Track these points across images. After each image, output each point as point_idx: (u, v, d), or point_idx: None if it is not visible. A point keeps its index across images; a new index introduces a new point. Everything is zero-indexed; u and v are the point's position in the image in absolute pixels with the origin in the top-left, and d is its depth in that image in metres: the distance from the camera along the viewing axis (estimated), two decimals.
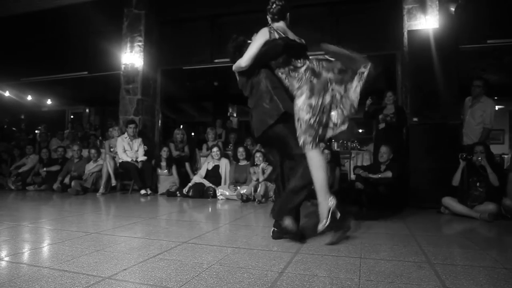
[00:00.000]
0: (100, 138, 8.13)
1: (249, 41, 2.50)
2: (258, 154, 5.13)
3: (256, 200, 4.68)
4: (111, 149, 6.23)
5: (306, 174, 2.29)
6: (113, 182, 5.83)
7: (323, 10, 6.12)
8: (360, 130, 9.26)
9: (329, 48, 2.45)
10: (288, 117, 2.33)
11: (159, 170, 5.82)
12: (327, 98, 2.31)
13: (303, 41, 2.56)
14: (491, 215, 3.30)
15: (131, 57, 6.62)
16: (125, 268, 1.79)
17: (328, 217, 2.25)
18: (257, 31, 2.49)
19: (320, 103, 2.29)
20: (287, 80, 2.40)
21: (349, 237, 2.56)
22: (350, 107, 2.33)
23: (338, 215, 2.30)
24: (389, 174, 4.42)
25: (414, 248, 2.26)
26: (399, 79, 5.61)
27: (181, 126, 9.45)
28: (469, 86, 4.52)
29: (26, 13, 7.39)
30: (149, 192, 5.60)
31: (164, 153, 5.86)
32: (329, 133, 2.38)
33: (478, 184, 3.65)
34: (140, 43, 6.62)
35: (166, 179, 5.78)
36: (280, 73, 2.42)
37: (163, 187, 5.74)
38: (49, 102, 11.89)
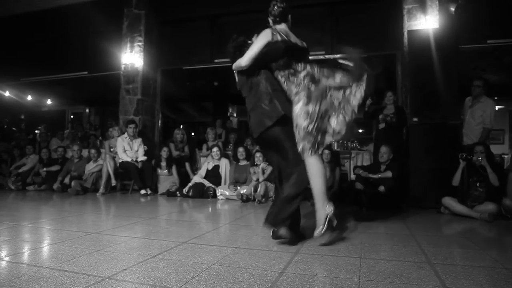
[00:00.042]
0: (100, 138, 8.13)
1: (249, 41, 2.49)
2: (258, 154, 5.13)
3: (256, 200, 4.68)
4: (111, 149, 6.23)
5: (300, 181, 2.26)
6: (113, 182, 5.84)
7: (323, 10, 6.12)
8: (360, 130, 9.25)
9: (352, 55, 2.40)
10: (286, 120, 2.31)
11: (159, 170, 5.83)
12: (325, 105, 2.30)
13: (305, 44, 2.54)
14: (491, 215, 3.30)
15: (131, 57, 6.62)
16: (125, 268, 1.79)
17: (324, 224, 2.25)
18: (257, 31, 2.49)
19: (317, 110, 2.28)
20: (285, 84, 2.39)
21: (349, 237, 2.56)
22: (352, 113, 2.32)
23: (335, 222, 2.30)
24: (389, 174, 4.42)
25: (414, 248, 2.26)
26: (399, 79, 5.61)
27: (181, 126, 9.45)
28: (469, 86, 4.52)
29: (26, 13, 7.39)
30: (149, 192, 5.60)
31: (164, 153, 5.86)
32: (328, 139, 2.36)
33: (478, 184, 3.65)
34: (140, 43, 6.62)
35: (166, 179, 5.78)
36: (279, 76, 2.41)
37: (163, 187, 5.74)
38: (49, 102, 11.89)
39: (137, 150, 5.94)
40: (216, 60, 6.59)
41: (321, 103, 2.30)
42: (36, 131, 9.95)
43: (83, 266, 1.81)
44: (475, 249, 2.29)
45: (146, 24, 6.67)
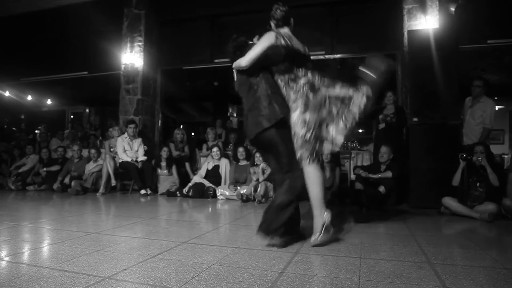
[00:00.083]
0: (100, 138, 8.13)
1: (250, 42, 2.47)
2: (258, 154, 5.13)
3: (256, 200, 4.68)
4: (111, 149, 6.23)
5: (292, 188, 2.25)
6: (113, 182, 5.84)
7: (323, 10, 6.12)
8: (360, 130, 9.26)
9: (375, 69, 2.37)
10: (284, 124, 2.30)
11: (159, 170, 5.83)
12: (323, 114, 2.29)
13: (307, 50, 2.51)
14: (491, 215, 3.30)
15: (131, 57, 6.62)
16: (125, 268, 1.79)
17: (321, 231, 2.25)
18: (258, 31, 2.48)
19: (314, 118, 2.26)
20: (284, 89, 2.37)
21: (349, 237, 2.56)
22: (352, 120, 2.31)
23: (332, 230, 2.30)
24: (389, 174, 4.42)
25: (414, 248, 2.26)
26: (399, 79, 5.61)
27: (181, 126, 9.45)
28: (469, 86, 4.52)
29: (26, 13, 7.39)
30: (149, 192, 5.60)
31: (164, 153, 5.86)
32: (328, 147, 2.35)
33: (478, 184, 3.65)
34: (140, 43, 6.62)
35: (166, 179, 5.78)
36: (279, 80, 2.39)
37: (163, 187, 5.74)
38: (49, 102, 11.89)
39: (137, 150, 5.94)
40: (216, 60, 6.58)
41: (319, 112, 2.28)
42: (36, 131, 9.95)
43: (83, 266, 1.81)
44: (475, 249, 2.29)
45: (146, 24, 6.67)
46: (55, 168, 6.45)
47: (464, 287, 1.57)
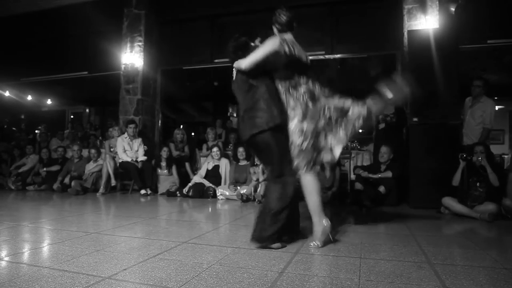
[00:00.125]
0: (100, 138, 8.13)
1: (252, 44, 2.43)
2: None
3: (256, 200, 4.68)
4: (111, 149, 6.23)
5: (284, 195, 2.23)
6: (113, 182, 5.84)
7: (323, 10, 6.11)
8: (360, 130, 9.24)
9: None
10: (280, 129, 2.28)
11: (159, 170, 5.83)
12: (322, 123, 2.27)
13: (308, 58, 2.48)
14: (491, 215, 3.30)
15: (131, 57, 6.62)
16: (125, 268, 1.79)
17: (321, 239, 2.25)
18: (260, 34, 2.45)
19: (312, 128, 2.25)
20: (284, 95, 2.35)
21: (349, 237, 2.56)
22: (352, 129, 2.30)
23: (331, 237, 2.29)
24: (389, 174, 4.42)
25: (414, 248, 2.27)
26: None
27: (181, 126, 9.44)
28: (469, 86, 4.52)
29: (26, 13, 7.39)
30: (149, 192, 5.60)
31: (164, 153, 5.86)
32: (327, 157, 2.33)
33: (478, 184, 3.65)
34: (140, 43, 6.62)
35: (166, 179, 5.78)
36: (280, 86, 2.37)
37: (163, 187, 5.74)
38: (49, 102, 11.89)
39: (137, 150, 5.94)
40: (216, 60, 6.58)
41: (318, 121, 2.27)
42: (36, 131, 9.95)
43: (83, 266, 1.81)
44: (475, 249, 2.29)
45: (146, 24, 6.67)
46: (55, 168, 6.45)
47: (464, 287, 1.57)
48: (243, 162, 5.44)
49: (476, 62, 6.85)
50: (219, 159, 5.59)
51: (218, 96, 10.82)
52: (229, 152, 6.28)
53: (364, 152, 6.25)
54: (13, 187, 6.51)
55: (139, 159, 5.85)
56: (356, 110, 2.31)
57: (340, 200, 4.64)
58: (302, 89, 2.33)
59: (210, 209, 4.36)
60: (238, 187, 5.02)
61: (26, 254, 2.09)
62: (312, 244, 2.27)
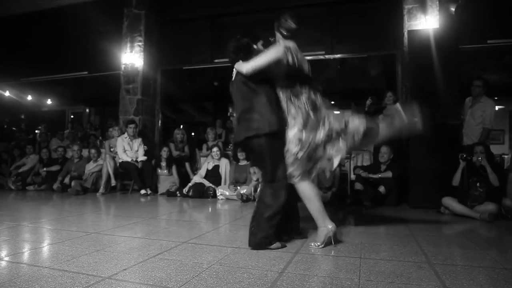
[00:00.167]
0: (100, 138, 8.13)
1: (254, 46, 2.40)
2: None
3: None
4: (111, 149, 6.23)
5: (276, 200, 2.22)
6: (113, 182, 5.84)
7: (323, 10, 6.11)
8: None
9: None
10: (276, 136, 2.25)
11: (159, 170, 5.83)
12: (321, 135, 2.25)
13: (309, 68, 2.44)
14: (491, 215, 3.30)
15: (131, 57, 6.62)
16: (125, 268, 1.79)
17: (323, 241, 2.25)
18: (263, 37, 2.42)
19: (310, 138, 2.23)
20: (286, 103, 2.32)
21: (349, 237, 2.56)
22: (351, 140, 2.28)
23: (332, 241, 2.27)
24: (389, 174, 4.43)
25: (414, 248, 2.27)
26: (399, 79, 5.61)
27: (181, 126, 9.44)
28: (469, 86, 4.52)
29: (26, 13, 7.39)
30: (149, 192, 5.60)
31: (164, 153, 5.86)
32: (324, 165, 2.32)
33: (478, 184, 3.65)
34: (140, 43, 6.62)
35: (166, 179, 5.79)
36: (281, 94, 2.34)
37: (163, 187, 5.74)
38: (49, 102, 11.89)
39: (137, 150, 5.94)
40: (216, 60, 6.58)
41: (317, 132, 2.25)
42: (36, 131, 9.95)
43: (83, 266, 1.81)
44: (475, 249, 2.29)
45: (146, 24, 6.67)
46: (55, 168, 6.45)
47: (464, 287, 1.57)
48: (243, 162, 5.44)
49: (476, 62, 6.85)
50: (219, 159, 5.59)
51: (218, 96, 10.82)
52: (229, 152, 6.28)
53: (364, 152, 6.24)
54: (13, 187, 6.51)
55: (139, 159, 5.85)
56: (356, 123, 2.28)
57: (340, 200, 4.64)
58: (304, 98, 2.30)
59: (210, 209, 4.36)
60: (238, 187, 5.01)
61: (26, 254, 2.09)
62: (312, 244, 2.27)
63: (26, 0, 6.93)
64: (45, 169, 6.53)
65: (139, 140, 6.03)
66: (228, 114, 11.28)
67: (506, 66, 7.15)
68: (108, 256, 2.00)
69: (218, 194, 5.14)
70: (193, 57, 6.83)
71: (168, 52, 6.97)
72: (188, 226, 3.16)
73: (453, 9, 5.10)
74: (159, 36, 6.98)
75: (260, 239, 2.18)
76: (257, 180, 4.93)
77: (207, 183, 5.37)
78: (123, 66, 6.67)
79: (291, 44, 2.35)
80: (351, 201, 4.43)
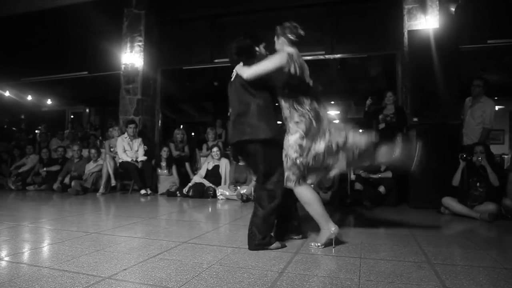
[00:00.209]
0: (100, 138, 8.13)
1: (257, 49, 2.38)
2: None
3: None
4: (111, 149, 6.23)
5: (270, 203, 2.22)
6: (113, 182, 5.84)
7: (323, 10, 6.11)
8: (360, 130, 9.24)
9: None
10: (270, 143, 2.23)
11: (159, 170, 5.83)
12: (322, 145, 2.24)
13: (311, 80, 2.41)
14: (491, 215, 3.30)
15: (131, 57, 6.62)
16: (125, 268, 1.79)
17: (324, 243, 2.24)
18: (266, 39, 2.39)
19: (310, 146, 2.22)
20: (289, 110, 2.29)
21: (349, 237, 2.55)
22: (351, 156, 2.26)
23: (333, 243, 2.26)
24: (389, 174, 4.42)
25: (414, 248, 2.27)
26: (399, 79, 5.61)
27: (181, 126, 9.45)
28: (469, 86, 4.52)
29: (26, 13, 7.39)
30: (149, 192, 5.60)
31: (164, 153, 5.86)
32: (323, 175, 2.32)
33: (478, 184, 3.65)
34: (140, 43, 6.62)
35: (166, 179, 5.79)
36: (283, 101, 2.32)
37: (163, 187, 5.74)
38: (49, 102, 11.89)
39: (137, 150, 5.94)
40: (216, 60, 6.58)
41: (318, 141, 2.24)
42: (36, 131, 9.95)
43: (83, 266, 1.81)
44: (475, 249, 2.29)
45: (146, 24, 6.67)
46: (55, 168, 6.45)
47: (464, 287, 1.57)
48: (243, 162, 5.44)
49: (476, 62, 6.85)
50: (219, 159, 5.59)
51: (218, 96, 10.80)
52: (229, 152, 6.27)
53: None
54: (13, 187, 6.51)
55: (139, 159, 5.85)
56: (357, 139, 2.27)
57: (340, 200, 4.64)
58: (307, 106, 2.28)
59: (210, 209, 4.36)
60: (238, 187, 5.02)
61: (26, 254, 2.09)
62: (312, 244, 2.27)
63: (26, 0, 6.93)
64: (45, 169, 6.53)
65: (139, 140, 6.03)
66: (228, 114, 11.25)
67: (506, 66, 7.15)
68: (108, 256, 2.00)
69: (218, 194, 5.14)
70: (193, 57, 6.83)
71: (168, 52, 6.97)
72: (188, 226, 3.16)
73: (453, 9, 5.11)
74: (159, 36, 6.98)
75: (259, 241, 2.19)
76: None
77: (207, 183, 5.37)
78: (123, 66, 6.67)
79: (294, 50, 2.33)
80: (351, 201, 4.43)
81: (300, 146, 2.22)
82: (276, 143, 2.26)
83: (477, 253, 2.17)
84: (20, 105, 10.93)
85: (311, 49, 5.80)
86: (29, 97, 11.00)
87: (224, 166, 5.55)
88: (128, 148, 5.90)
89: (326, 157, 2.26)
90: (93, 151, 6.25)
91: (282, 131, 2.33)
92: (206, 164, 5.65)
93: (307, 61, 2.42)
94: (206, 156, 6.02)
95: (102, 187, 5.70)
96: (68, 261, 1.90)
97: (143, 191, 5.56)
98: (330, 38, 6.02)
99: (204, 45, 6.68)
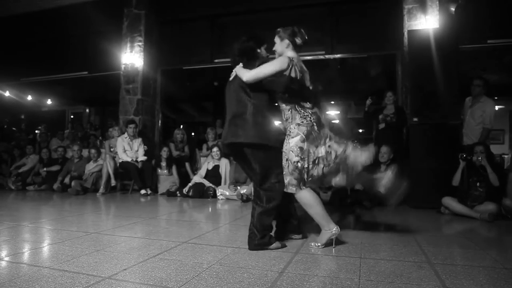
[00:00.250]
0: (100, 138, 8.13)
1: (258, 50, 2.37)
2: None
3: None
4: (111, 149, 6.23)
5: (268, 203, 2.21)
6: (113, 182, 5.84)
7: (323, 10, 6.11)
8: (360, 130, 9.26)
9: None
10: (263, 147, 2.22)
11: (159, 170, 5.83)
12: (321, 151, 2.24)
13: (311, 86, 2.41)
14: (491, 215, 3.30)
15: (131, 57, 6.62)
16: (125, 268, 1.79)
17: (324, 244, 2.24)
18: (267, 40, 2.38)
19: (310, 150, 2.22)
20: (290, 112, 2.28)
21: (349, 237, 2.55)
22: (352, 170, 2.25)
23: (334, 244, 2.26)
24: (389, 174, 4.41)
25: (414, 248, 2.27)
26: (399, 79, 5.61)
27: (181, 126, 9.45)
28: (469, 86, 4.52)
29: (26, 13, 7.39)
30: (149, 192, 5.60)
31: (164, 153, 5.87)
32: (322, 182, 2.32)
33: (478, 184, 3.65)
34: (140, 43, 6.62)
35: (166, 179, 5.79)
36: (284, 104, 2.30)
37: (163, 187, 5.74)
38: (49, 102, 11.89)
39: (137, 150, 5.94)
40: (216, 60, 6.58)
41: (317, 147, 2.24)
42: (36, 131, 9.96)
43: (83, 266, 1.81)
44: (475, 249, 2.29)
45: (146, 24, 6.67)
46: (55, 168, 6.45)
47: (464, 287, 1.57)
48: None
49: (476, 62, 6.86)
50: (219, 159, 5.59)
51: (218, 96, 10.79)
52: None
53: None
54: (13, 187, 6.51)
55: (139, 159, 5.85)
56: (354, 158, 2.25)
57: (340, 200, 4.64)
58: (309, 110, 2.28)
59: (210, 209, 4.36)
60: (238, 187, 5.01)
61: (26, 254, 2.09)
62: (312, 244, 2.27)
63: (26, 0, 6.93)
64: (45, 169, 6.53)
65: (139, 140, 6.03)
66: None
67: (506, 66, 7.15)
68: (108, 256, 2.00)
69: (218, 194, 5.14)
70: (193, 57, 6.83)
71: (168, 52, 6.97)
72: (188, 226, 3.16)
73: (453, 9, 5.11)
74: (159, 36, 6.98)
75: (259, 240, 2.19)
76: None
77: (207, 183, 5.37)
78: (123, 66, 6.67)
79: (295, 55, 2.33)
80: (351, 201, 4.43)
81: (301, 148, 2.21)
82: (269, 147, 2.24)
83: (477, 253, 2.17)
84: (20, 105, 10.93)
85: (311, 49, 5.80)
86: (29, 97, 11.00)
87: (224, 166, 5.55)
88: (128, 148, 5.90)
89: (326, 163, 2.25)
90: (93, 151, 6.25)
91: (279, 134, 2.31)
92: (206, 164, 5.65)
93: (307, 61, 2.42)
94: (206, 156, 6.02)
95: (102, 187, 5.70)
96: (68, 261, 1.90)
97: (143, 191, 5.56)
98: (330, 38, 6.02)
99: (204, 45, 6.68)
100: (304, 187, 2.24)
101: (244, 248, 2.23)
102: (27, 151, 7.07)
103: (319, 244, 2.24)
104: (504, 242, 2.77)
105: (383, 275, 1.72)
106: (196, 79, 8.75)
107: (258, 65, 2.23)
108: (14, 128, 10.79)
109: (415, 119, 4.35)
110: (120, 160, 5.83)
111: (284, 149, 2.26)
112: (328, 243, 2.26)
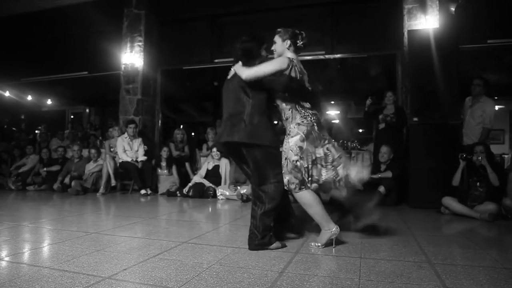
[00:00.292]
0: (100, 138, 8.13)
1: (260, 50, 2.37)
2: None
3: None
4: (111, 149, 6.23)
5: (267, 203, 2.21)
6: (113, 182, 5.84)
7: (323, 10, 6.11)
8: (360, 130, 9.26)
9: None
10: (259, 147, 2.21)
11: (159, 170, 5.83)
12: (320, 152, 2.24)
13: (310, 87, 2.42)
14: (491, 215, 3.30)
15: (131, 57, 6.62)
16: (125, 268, 1.79)
17: (324, 244, 2.24)
18: (268, 40, 2.39)
19: (310, 150, 2.22)
20: (290, 111, 2.27)
21: (349, 237, 2.55)
22: (351, 184, 2.27)
23: (334, 244, 2.26)
24: (389, 174, 4.42)
25: (414, 248, 2.27)
26: (399, 79, 5.61)
27: (181, 126, 9.45)
28: (469, 86, 4.52)
29: (26, 13, 7.39)
30: (149, 192, 5.60)
31: (164, 153, 5.87)
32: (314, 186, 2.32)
33: (478, 184, 3.65)
34: (140, 43, 6.62)
35: (166, 179, 5.79)
36: (284, 104, 2.30)
37: (163, 187, 5.74)
38: (49, 102, 11.89)
39: (137, 150, 5.94)
40: (216, 60, 6.58)
41: (317, 148, 2.24)
42: (36, 131, 9.96)
43: (83, 266, 1.81)
44: (475, 249, 2.29)
45: (146, 24, 6.68)
46: (55, 168, 6.45)
47: (464, 287, 1.57)
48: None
49: (476, 62, 6.86)
50: (219, 159, 5.59)
51: (218, 96, 10.76)
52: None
53: (364, 152, 6.24)
54: (13, 187, 6.51)
55: (139, 159, 5.85)
56: (358, 177, 2.26)
57: (340, 200, 4.63)
58: (310, 111, 2.29)
59: (210, 209, 4.36)
60: (238, 187, 5.01)
61: (26, 254, 2.09)
62: (312, 244, 2.27)
63: (26, 0, 6.93)
64: (45, 169, 6.53)
65: (139, 140, 6.03)
66: None
67: (506, 66, 7.15)
68: (108, 256, 2.00)
69: (218, 194, 5.14)
70: (193, 57, 6.83)
71: (168, 52, 6.97)
72: (188, 226, 3.16)
73: (453, 9, 5.11)
74: (159, 36, 6.98)
75: (259, 240, 2.19)
76: None
77: (207, 183, 5.37)
78: (123, 66, 6.67)
79: (295, 56, 2.34)
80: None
81: (300, 148, 2.21)
82: (266, 147, 2.23)
83: (477, 253, 2.17)
84: (20, 105, 10.93)
85: (311, 49, 5.80)
86: (29, 97, 11.01)
87: (224, 166, 5.54)
88: (128, 148, 5.90)
89: (324, 165, 2.25)
90: (93, 151, 6.25)
91: (277, 134, 2.31)
92: (206, 164, 5.65)
93: (307, 61, 2.43)
94: (206, 156, 6.02)
95: (102, 187, 5.70)
96: (68, 261, 1.90)
97: (143, 191, 5.56)
98: (330, 38, 6.02)
99: (204, 45, 6.68)
100: (304, 188, 2.23)
101: (244, 248, 2.23)
102: (27, 151, 7.07)
103: (319, 244, 2.24)
104: (504, 242, 2.77)
105: (383, 275, 1.72)
106: (196, 79, 8.76)
107: (258, 64, 2.23)
108: (14, 128, 10.80)
109: (415, 119, 4.35)
110: (120, 160, 5.83)
111: (283, 148, 2.27)
112: (328, 243, 2.25)
